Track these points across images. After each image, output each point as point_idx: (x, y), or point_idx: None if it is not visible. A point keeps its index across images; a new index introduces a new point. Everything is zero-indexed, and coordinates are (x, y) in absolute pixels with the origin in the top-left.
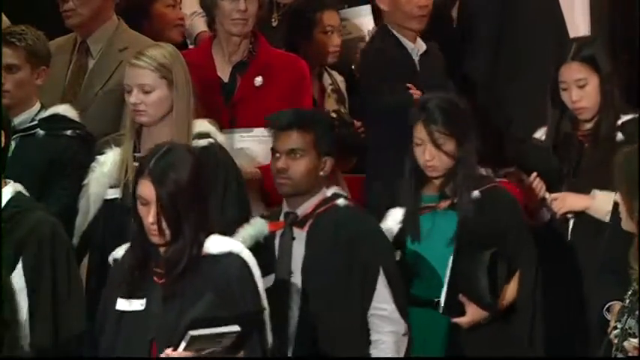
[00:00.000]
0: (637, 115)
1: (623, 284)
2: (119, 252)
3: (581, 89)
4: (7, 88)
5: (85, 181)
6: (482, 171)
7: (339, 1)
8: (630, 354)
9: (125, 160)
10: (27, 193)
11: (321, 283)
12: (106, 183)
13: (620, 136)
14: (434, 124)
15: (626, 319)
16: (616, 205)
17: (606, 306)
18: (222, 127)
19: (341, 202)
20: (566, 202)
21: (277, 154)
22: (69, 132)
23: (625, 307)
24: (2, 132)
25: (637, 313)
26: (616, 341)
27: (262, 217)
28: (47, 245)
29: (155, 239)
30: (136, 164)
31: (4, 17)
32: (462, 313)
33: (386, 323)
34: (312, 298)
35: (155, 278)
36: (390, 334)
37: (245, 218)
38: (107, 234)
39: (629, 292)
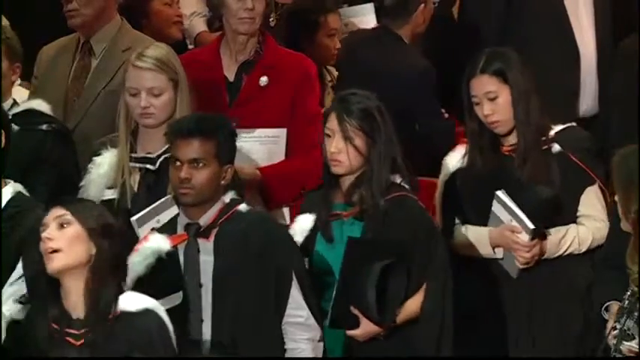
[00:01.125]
0: (572, 124)
1: (624, 281)
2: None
3: (493, 102)
4: None
5: (82, 183)
6: (397, 178)
7: (340, 0)
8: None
9: (122, 161)
10: (27, 193)
11: (234, 292)
12: (102, 184)
13: (557, 147)
14: (347, 116)
15: (625, 320)
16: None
17: (604, 306)
18: None
19: (242, 207)
20: (533, 261)
21: (178, 163)
22: (44, 126)
23: (624, 307)
24: (2, 132)
25: (635, 314)
26: (614, 342)
27: (157, 231)
28: None
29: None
30: (133, 165)
31: (3, 18)
32: (354, 326)
33: (302, 330)
34: (226, 309)
35: (70, 340)
36: (308, 341)
37: None
38: None
39: (628, 293)
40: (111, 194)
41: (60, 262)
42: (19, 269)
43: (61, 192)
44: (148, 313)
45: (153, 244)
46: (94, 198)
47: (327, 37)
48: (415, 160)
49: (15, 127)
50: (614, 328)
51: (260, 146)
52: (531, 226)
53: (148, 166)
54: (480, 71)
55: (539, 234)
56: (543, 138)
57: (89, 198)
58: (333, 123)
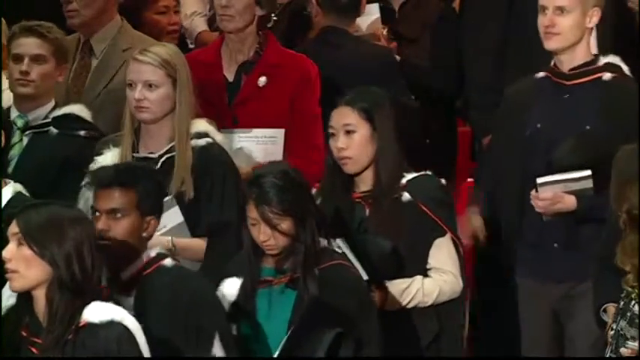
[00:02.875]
0: (426, 173)
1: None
2: None
3: (349, 137)
4: (33, 78)
5: (84, 183)
6: (324, 242)
7: None
8: None
9: (124, 161)
10: (27, 194)
11: (151, 350)
12: None
13: (407, 196)
14: (266, 205)
15: (619, 321)
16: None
17: (602, 307)
18: (225, 127)
19: (167, 262)
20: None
21: (97, 214)
22: (83, 132)
23: (619, 309)
24: (2, 132)
25: (629, 315)
26: (610, 341)
27: None
28: None
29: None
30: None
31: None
32: None
33: None
34: None
35: (33, 349)
36: None
37: (242, 219)
38: None
39: (623, 294)
40: None
41: (18, 283)
42: None
43: None
44: (111, 324)
45: None
46: None
47: None
48: None
49: (54, 131)
50: (612, 329)
51: (257, 146)
52: (365, 277)
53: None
54: (344, 103)
55: (377, 286)
56: (396, 185)
57: (90, 198)
58: (253, 213)
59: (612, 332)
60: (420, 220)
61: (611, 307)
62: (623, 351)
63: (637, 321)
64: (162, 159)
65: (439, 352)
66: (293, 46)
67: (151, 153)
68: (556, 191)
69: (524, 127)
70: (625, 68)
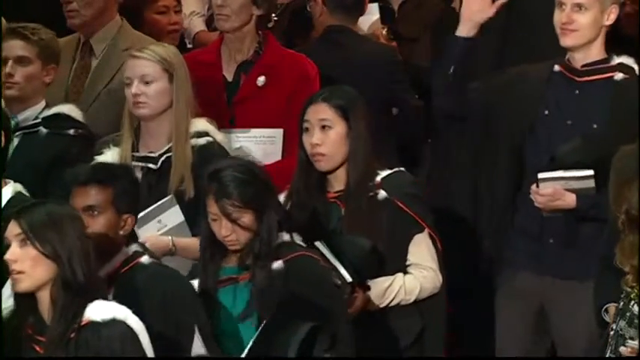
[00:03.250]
0: (399, 169)
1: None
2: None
3: (324, 132)
4: (17, 80)
5: None
6: (286, 237)
7: None
8: None
9: (124, 160)
10: (27, 193)
11: None
12: None
13: (383, 193)
14: (226, 198)
15: (618, 321)
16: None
17: (604, 307)
18: (224, 127)
19: (145, 259)
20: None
21: None
22: (72, 131)
23: (619, 309)
24: (2, 132)
25: (628, 315)
26: (610, 341)
27: None
28: None
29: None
30: (134, 164)
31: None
32: None
33: None
34: None
35: (37, 348)
36: None
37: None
38: None
39: (622, 295)
40: None
41: (24, 284)
42: None
43: None
44: (114, 322)
45: None
46: None
47: None
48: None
49: (43, 130)
50: (612, 329)
51: (256, 146)
52: (349, 278)
53: (150, 165)
54: (321, 99)
55: (360, 286)
56: (370, 184)
57: None
58: (214, 207)
59: (612, 332)
60: (397, 217)
61: (612, 308)
62: (623, 350)
63: (636, 321)
64: (162, 158)
65: (423, 349)
66: (294, 46)
67: (151, 152)
68: (557, 187)
69: (529, 105)
70: (637, 70)
